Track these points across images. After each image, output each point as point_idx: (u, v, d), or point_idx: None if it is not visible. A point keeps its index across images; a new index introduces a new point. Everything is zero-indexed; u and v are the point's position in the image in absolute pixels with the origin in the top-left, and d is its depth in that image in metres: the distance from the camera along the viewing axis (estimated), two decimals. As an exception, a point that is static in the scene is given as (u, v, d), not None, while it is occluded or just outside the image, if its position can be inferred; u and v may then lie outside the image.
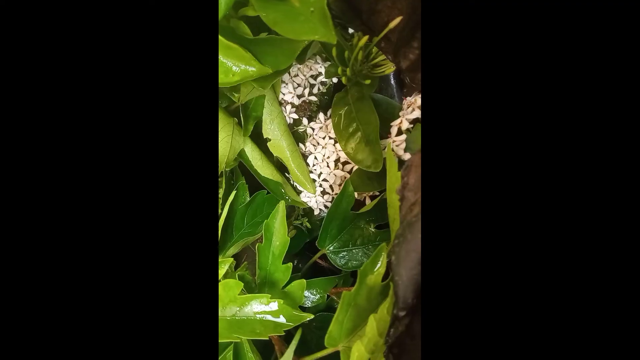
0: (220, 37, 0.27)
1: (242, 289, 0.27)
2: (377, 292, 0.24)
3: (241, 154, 0.37)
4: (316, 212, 0.39)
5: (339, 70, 0.30)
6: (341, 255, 0.34)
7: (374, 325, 0.22)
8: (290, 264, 0.29)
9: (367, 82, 0.30)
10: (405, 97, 0.33)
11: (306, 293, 0.33)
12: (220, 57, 0.28)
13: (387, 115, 0.33)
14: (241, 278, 0.29)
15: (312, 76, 0.38)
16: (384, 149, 0.31)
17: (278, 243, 0.30)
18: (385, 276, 0.25)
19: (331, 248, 0.34)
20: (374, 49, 0.30)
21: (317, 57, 0.38)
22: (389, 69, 0.30)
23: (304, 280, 0.29)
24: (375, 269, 0.23)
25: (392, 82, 0.39)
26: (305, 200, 0.38)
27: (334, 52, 0.29)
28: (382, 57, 0.30)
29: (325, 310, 0.36)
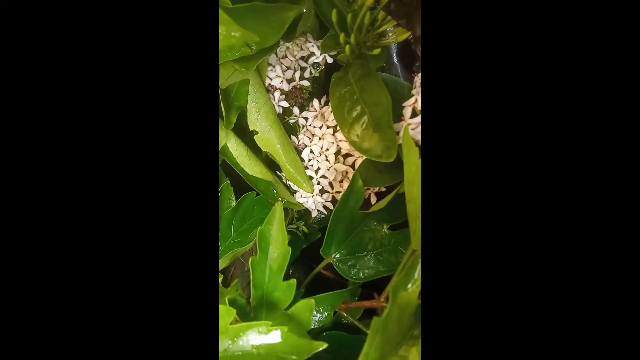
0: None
1: (235, 317, 0.21)
2: (410, 313, 0.19)
3: (224, 150, 0.33)
4: (314, 214, 0.34)
5: (341, 38, 0.25)
6: (350, 263, 0.29)
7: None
8: (293, 281, 0.24)
9: (376, 52, 0.24)
10: (417, 73, 0.28)
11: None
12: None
13: (396, 96, 0.28)
14: (232, 303, 0.23)
15: (302, 57, 0.33)
16: (397, 134, 0.26)
17: (276, 255, 0.24)
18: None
19: (338, 256, 0.29)
20: (381, 13, 0.24)
21: (308, 35, 0.33)
22: (402, 35, 0.25)
23: (312, 300, 0.23)
24: (408, 286, 0.18)
25: (396, 60, 0.34)
26: (301, 202, 0.33)
27: (333, 16, 0.24)
28: (391, 22, 0.25)
29: (333, 328, 0.31)
